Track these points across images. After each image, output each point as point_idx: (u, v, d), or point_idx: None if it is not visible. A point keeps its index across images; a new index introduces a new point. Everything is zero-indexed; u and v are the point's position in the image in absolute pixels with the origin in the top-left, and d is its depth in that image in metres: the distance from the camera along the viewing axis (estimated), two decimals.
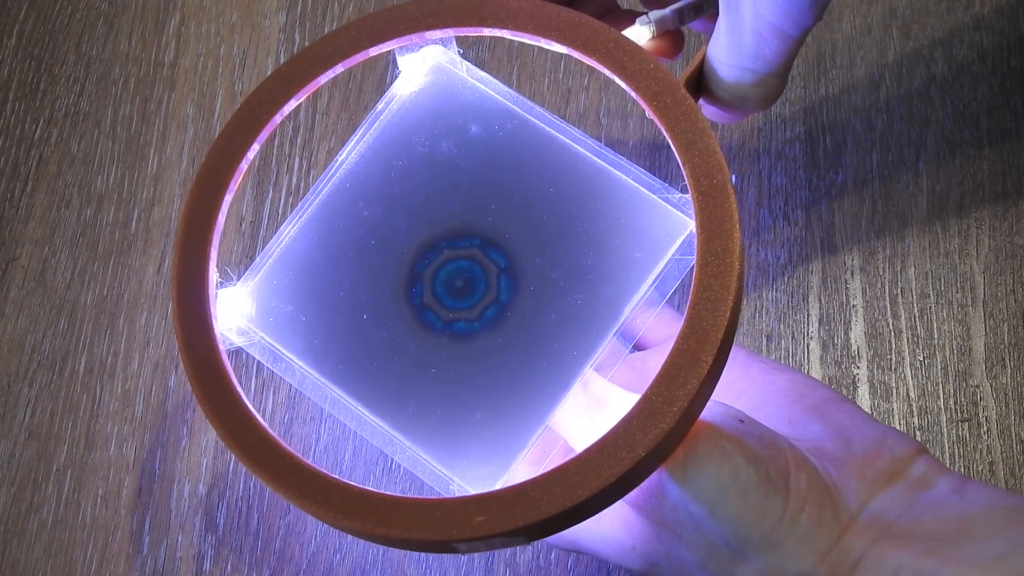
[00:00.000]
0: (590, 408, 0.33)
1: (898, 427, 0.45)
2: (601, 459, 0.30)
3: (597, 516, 0.36)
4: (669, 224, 0.34)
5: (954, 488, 0.33)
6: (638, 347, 0.41)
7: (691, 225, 0.33)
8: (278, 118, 0.36)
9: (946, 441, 0.45)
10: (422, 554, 0.44)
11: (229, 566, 0.44)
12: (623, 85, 0.34)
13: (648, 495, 0.33)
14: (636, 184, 0.35)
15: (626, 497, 0.33)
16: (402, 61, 0.37)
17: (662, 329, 0.40)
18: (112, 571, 0.45)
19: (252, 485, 0.45)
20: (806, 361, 0.46)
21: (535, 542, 0.44)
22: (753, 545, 0.32)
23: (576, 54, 0.35)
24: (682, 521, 0.32)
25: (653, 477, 0.32)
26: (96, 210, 0.51)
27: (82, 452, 0.46)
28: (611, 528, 0.35)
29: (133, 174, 0.51)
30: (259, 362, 0.47)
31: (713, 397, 0.34)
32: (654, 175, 0.35)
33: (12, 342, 0.48)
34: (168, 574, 0.44)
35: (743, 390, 0.37)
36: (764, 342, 0.47)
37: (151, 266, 0.49)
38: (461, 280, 0.35)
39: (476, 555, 0.44)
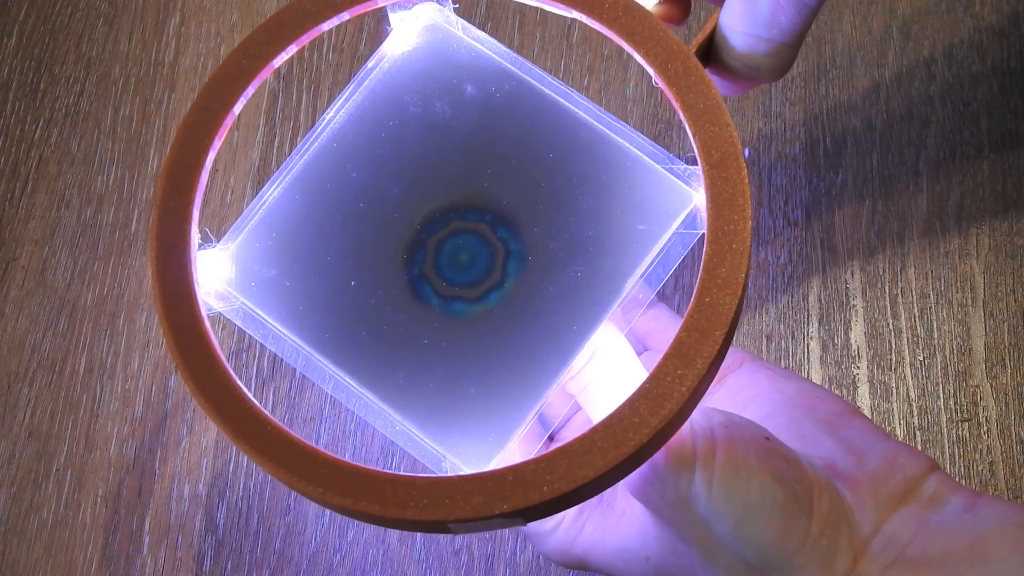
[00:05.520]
0: (611, 369, 0.31)
1: (898, 427, 0.45)
2: (606, 439, 0.28)
3: (612, 527, 0.35)
4: (673, 196, 0.33)
5: (966, 505, 0.33)
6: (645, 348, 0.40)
7: (696, 198, 0.33)
8: (266, 73, 0.34)
9: (946, 441, 0.45)
10: (422, 555, 0.44)
11: (229, 566, 0.44)
12: (631, 51, 0.33)
13: (674, 508, 0.32)
14: (640, 153, 0.34)
15: (651, 508, 0.33)
16: (394, 18, 0.36)
17: (667, 332, 0.40)
18: (112, 571, 0.45)
19: (252, 485, 0.45)
20: (806, 361, 0.46)
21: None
22: (774, 566, 0.31)
23: (582, 17, 0.34)
24: (706, 538, 0.32)
25: (683, 490, 0.31)
26: (96, 210, 0.51)
27: (82, 452, 0.46)
28: (626, 539, 0.34)
29: (133, 174, 0.51)
30: (258, 363, 0.48)
31: (719, 407, 0.33)
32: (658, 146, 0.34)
33: (12, 342, 0.48)
34: (168, 574, 0.44)
35: (750, 399, 0.36)
36: (764, 342, 0.47)
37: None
38: (456, 249, 0.33)
39: (476, 556, 0.44)
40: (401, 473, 0.29)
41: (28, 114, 0.53)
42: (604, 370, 0.32)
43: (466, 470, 0.31)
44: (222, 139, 0.34)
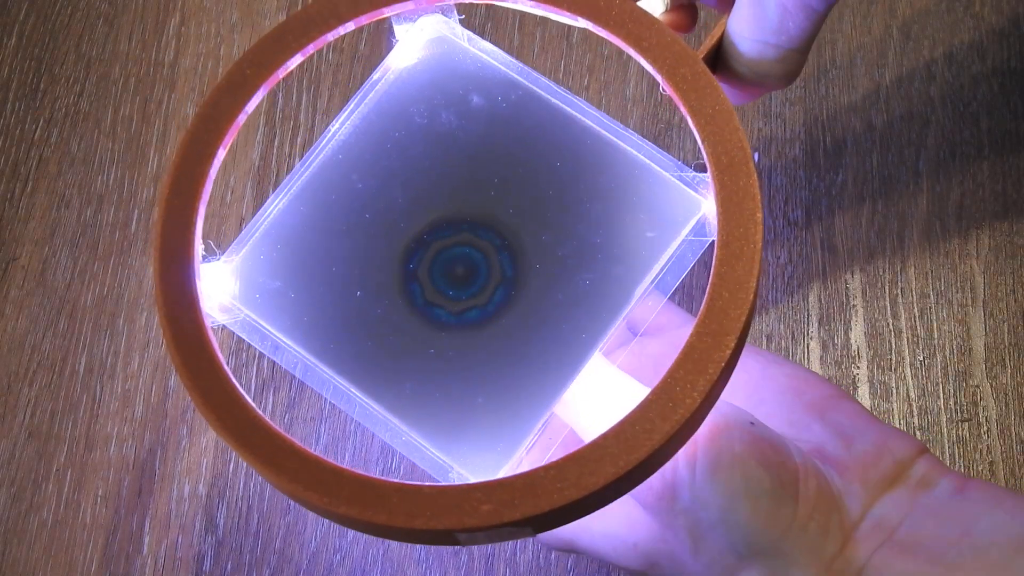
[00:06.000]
0: (600, 395, 0.31)
1: (898, 427, 0.45)
2: (617, 446, 0.28)
3: (598, 512, 0.35)
4: (682, 203, 0.33)
5: (956, 488, 0.33)
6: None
7: (705, 205, 0.32)
8: (271, 83, 0.34)
9: (946, 441, 0.45)
10: (422, 554, 0.44)
11: (229, 566, 0.44)
12: (638, 58, 0.33)
13: (660, 497, 0.32)
14: (648, 161, 0.33)
15: (637, 497, 0.33)
16: (399, 30, 0.36)
17: (660, 316, 0.40)
18: (112, 571, 0.45)
19: (252, 485, 0.45)
20: (806, 361, 0.46)
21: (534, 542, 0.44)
22: (760, 552, 0.32)
23: (589, 25, 0.34)
24: (692, 524, 0.32)
25: (667, 478, 0.31)
26: (96, 210, 0.51)
27: (82, 452, 0.46)
28: (613, 524, 0.34)
29: (133, 174, 0.51)
30: (258, 363, 0.48)
31: None
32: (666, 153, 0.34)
33: (12, 342, 0.48)
34: (168, 574, 0.44)
35: (740, 385, 0.36)
36: (764, 342, 0.47)
37: (151, 266, 0.49)
38: (463, 259, 0.33)
39: (476, 555, 0.44)
40: (408, 482, 0.28)
41: (28, 114, 0.53)
42: (589, 397, 0.31)
43: (474, 480, 0.30)
44: (225, 150, 0.33)
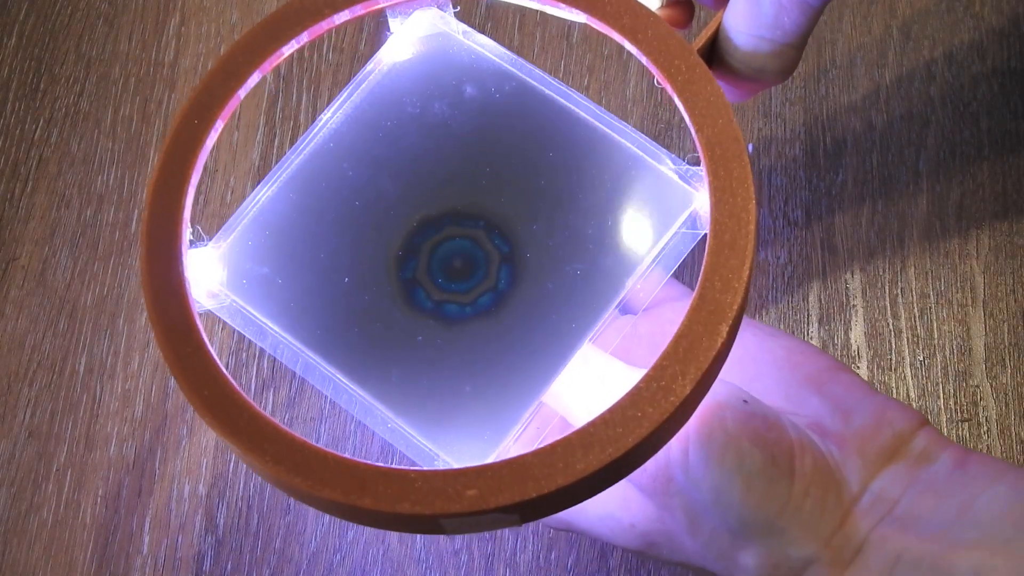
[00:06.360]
0: (590, 383, 0.31)
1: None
2: (607, 433, 0.28)
3: None
4: (675, 196, 0.33)
5: (956, 462, 0.33)
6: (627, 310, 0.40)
7: (698, 198, 0.32)
8: (264, 69, 0.34)
9: None
10: (422, 554, 0.44)
11: (229, 566, 0.44)
12: (633, 50, 0.33)
13: (654, 478, 0.32)
14: (641, 153, 0.34)
15: (632, 479, 0.33)
16: (394, 23, 0.36)
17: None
18: (112, 571, 0.45)
19: (252, 485, 0.45)
20: None
21: (531, 533, 0.44)
22: (756, 531, 0.31)
23: (584, 17, 0.34)
24: (687, 506, 0.32)
25: (660, 460, 0.31)
26: (96, 210, 0.51)
27: (82, 452, 0.46)
28: (610, 506, 0.34)
29: (133, 174, 0.51)
30: (258, 363, 0.48)
31: None
32: (660, 145, 0.34)
33: (12, 342, 0.48)
34: (168, 574, 0.44)
35: (736, 359, 0.36)
36: None
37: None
38: (452, 254, 0.33)
39: (476, 555, 0.44)
40: (393, 466, 0.28)
41: (28, 114, 0.53)
42: (578, 386, 0.31)
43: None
44: (217, 135, 0.33)
